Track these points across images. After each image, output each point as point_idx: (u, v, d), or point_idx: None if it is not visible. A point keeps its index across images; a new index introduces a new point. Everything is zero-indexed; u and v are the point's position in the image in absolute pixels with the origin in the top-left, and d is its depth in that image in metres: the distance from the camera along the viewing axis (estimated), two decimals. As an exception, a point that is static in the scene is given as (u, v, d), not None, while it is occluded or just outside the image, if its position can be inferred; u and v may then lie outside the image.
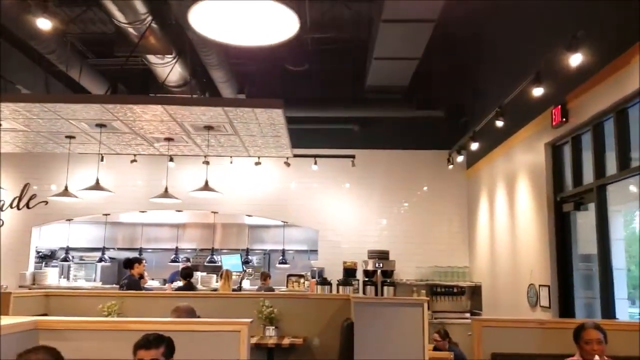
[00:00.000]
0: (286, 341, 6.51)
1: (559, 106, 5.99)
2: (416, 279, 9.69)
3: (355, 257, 9.53)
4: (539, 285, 6.48)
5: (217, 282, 9.95)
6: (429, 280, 9.61)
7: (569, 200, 6.15)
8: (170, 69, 7.79)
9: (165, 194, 7.38)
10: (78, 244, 11.19)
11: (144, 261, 8.32)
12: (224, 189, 10.06)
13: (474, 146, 7.82)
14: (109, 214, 10.25)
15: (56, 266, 10.54)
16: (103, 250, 10.44)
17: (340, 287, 8.30)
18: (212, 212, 10.28)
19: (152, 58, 7.69)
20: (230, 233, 11.68)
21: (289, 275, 9.69)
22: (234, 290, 8.39)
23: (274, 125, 6.80)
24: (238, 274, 9.82)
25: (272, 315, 7.17)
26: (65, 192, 7.33)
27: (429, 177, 10.21)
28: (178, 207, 10.08)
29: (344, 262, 9.39)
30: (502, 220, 7.91)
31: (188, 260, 10.53)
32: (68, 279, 11.42)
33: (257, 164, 9.35)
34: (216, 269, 10.18)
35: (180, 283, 8.98)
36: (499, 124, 6.58)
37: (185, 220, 11.53)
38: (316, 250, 10.11)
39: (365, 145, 10.20)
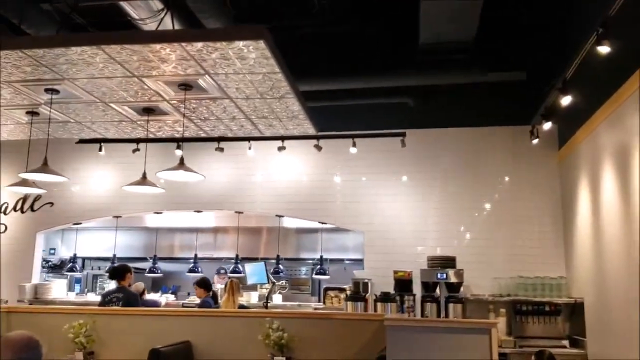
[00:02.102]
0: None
1: None
2: (493, 293, 7.33)
3: (410, 266, 7.36)
4: (679, 303, 4.04)
5: (241, 296, 8.15)
6: (512, 296, 7.22)
7: None
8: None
9: (143, 180, 5.67)
10: (96, 252, 9.82)
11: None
12: (244, 183, 8.31)
13: (566, 101, 5.44)
14: (120, 216, 8.77)
15: (65, 277, 9.19)
16: (113, 259, 8.96)
17: (379, 305, 6.14)
18: (235, 212, 8.50)
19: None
20: (275, 239, 9.80)
21: (326, 289, 7.68)
22: (241, 307, 6.49)
23: (269, 78, 4.88)
24: (267, 287, 7.95)
25: (281, 341, 5.29)
26: (24, 182, 5.81)
27: (508, 162, 7.83)
28: (195, 207, 8.43)
29: (395, 272, 7.23)
30: (613, 212, 5.43)
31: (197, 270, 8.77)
32: (91, 290, 10.09)
33: (281, 148, 7.47)
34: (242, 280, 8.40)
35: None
36: (603, 50, 4.25)
37: (225, 224, 9.80)
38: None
39: (422, 123, 8.01)
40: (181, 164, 5.14)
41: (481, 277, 7.40)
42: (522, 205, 7.70)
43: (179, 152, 7.66)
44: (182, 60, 4.52)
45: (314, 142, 7.53)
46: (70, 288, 9.90)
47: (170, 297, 8.30)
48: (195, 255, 8.66)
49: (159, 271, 8.65)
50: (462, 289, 7.05)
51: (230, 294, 6.38)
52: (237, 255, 8.58)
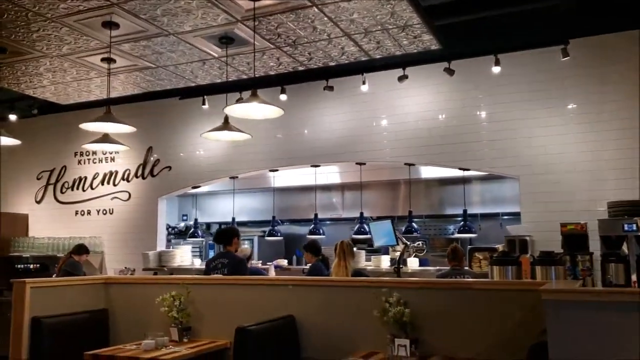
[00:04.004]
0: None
1: None
2: None
3: (584, 216, 5.56)
4: None
5: (368, 260, 6.99)
6: None
7: None
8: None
9: (225, 126, 4.66)
10: (224, 218, 9.26)
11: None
12: (364, 128, 6.99)
13: None
14: (236, 177, 8.03)
15: (195, 244, 8.77)
16: (233, 221, 8.27)
17: (538, 269, 4.50)
18: (356, 163, 7.27)
19: None
20: (409, 193, 8.35)
21: (472, 250, 6.18)
22: (357, 273, 5.26)
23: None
24: (399, 249, 6.65)
25: (403, 318, 4.04)
26: (106, 138, 5.13)
27: None
28: (312, 161, 7.34)
29: (563, 225, 5.48)
30: None
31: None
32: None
33: (402, 78, 6.02)
34: (369, 242, 7.24)
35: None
36: None
37: (351, 179, 8.62)
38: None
39: (591, 28, 6.01)
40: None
41: (690, 229, 5.34)
42: None
43: (283, 97, 6.66)
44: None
45: (443, 65, 5.97)
46: (205, 254, 9.56)
47: (284, 262, 7.39)
48: (316, 215, 7.62)
49: (278, 234, 7.79)
50: (661, 244, 5.11)
51: (340, 257, 5.19)
52: (361, 214, 7.36)
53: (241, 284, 4.92)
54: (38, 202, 9.14)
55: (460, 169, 6.77)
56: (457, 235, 6.99)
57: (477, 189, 8.11)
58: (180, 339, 4.73)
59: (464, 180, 7.85)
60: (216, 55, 5.15)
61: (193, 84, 6.04)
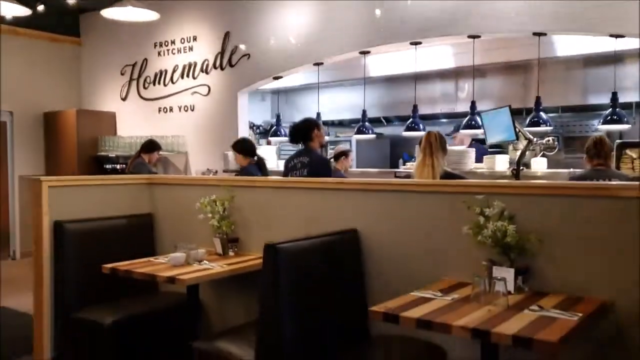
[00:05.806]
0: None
1: None
2: None
3: None
4: None
5: (479, 161, 5.53)
6: None
7: None
8: None
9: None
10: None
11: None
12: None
13: None
14: (321, 63, 6.71)
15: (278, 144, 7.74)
16: (317, 116, 6.98)
17: None
18: (468, 37, 5.58)
19: None
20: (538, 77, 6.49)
21: (621, 145, 4.49)
22: (447, 175, 3.83)
23: None
24: (520, 147, 5.08)
25: (507, 238, 2.77)
26: None
27: None
28: (412, 37, 5.79)
29: None
30: None
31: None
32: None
33: None
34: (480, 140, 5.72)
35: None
36: None
37: (465, 62, 6.90)
38: None
39: None
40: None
41: None
42: None
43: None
44: None
45: None
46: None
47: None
48: (415, 106, 6.11)
49: (370, 132, 6.45)
50: None
51: (425, 153, 3.79)
52: (472, 103, 5.74)
53: (296, 188, 3.80)
54: (123, 99, 8.61)
55: (611, 36, 4.88)
56: (602, 127, 5.19)
57: (633, 70, 6.11)
58: (225, 252, 3.82)
59: (616, 59, 5.87)
60: None
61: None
